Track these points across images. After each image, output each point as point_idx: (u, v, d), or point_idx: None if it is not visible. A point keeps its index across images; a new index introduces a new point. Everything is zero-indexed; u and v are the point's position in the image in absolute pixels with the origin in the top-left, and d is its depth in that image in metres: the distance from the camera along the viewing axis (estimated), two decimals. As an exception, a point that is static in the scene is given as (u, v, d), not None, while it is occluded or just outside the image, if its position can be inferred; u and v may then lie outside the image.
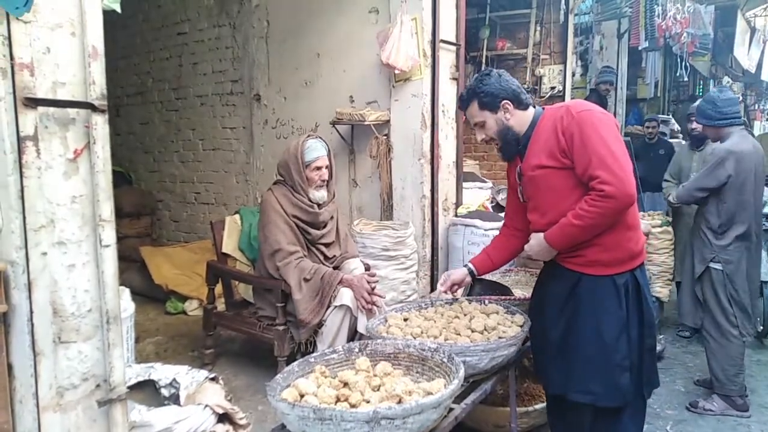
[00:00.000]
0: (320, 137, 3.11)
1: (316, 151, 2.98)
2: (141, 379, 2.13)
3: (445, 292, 2.33)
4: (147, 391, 2.13)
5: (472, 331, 2.05)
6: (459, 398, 1.86)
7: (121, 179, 6.04)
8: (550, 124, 1.98)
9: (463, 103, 2.16)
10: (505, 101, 2.04)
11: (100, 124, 1.55)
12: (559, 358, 2.05)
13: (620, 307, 1.95)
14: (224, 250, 3.37)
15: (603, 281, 1.97)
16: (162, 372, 2.16)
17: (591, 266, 1.98)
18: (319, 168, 2.99)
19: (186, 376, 2.12)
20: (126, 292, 2.70)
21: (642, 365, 2.01)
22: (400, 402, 1.50)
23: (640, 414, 2.12)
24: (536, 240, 2.05)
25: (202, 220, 5.58)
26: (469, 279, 2.33)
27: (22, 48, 1.40)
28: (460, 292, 2.38)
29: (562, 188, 1.96)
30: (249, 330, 3.14)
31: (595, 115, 1.92)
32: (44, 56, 1.45)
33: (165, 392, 2.10)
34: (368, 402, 1.52)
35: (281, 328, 2.93)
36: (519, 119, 2.07)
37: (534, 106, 2.12)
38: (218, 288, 3.43)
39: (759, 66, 9.28)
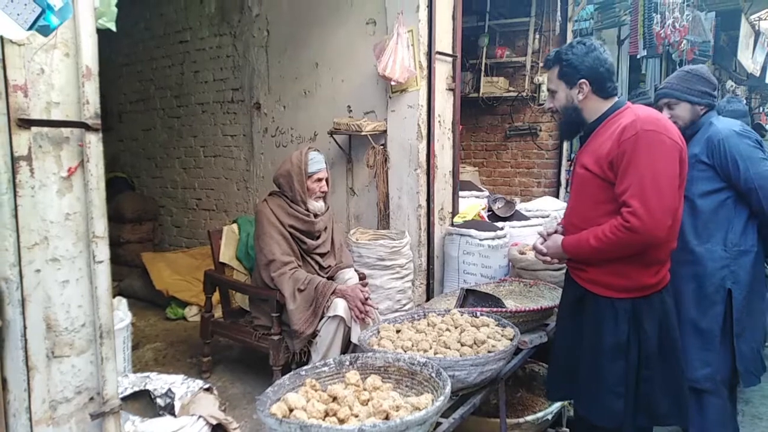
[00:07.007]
0: (318, 150, 3.19)
1: (318, 163, 3.08)
2: (137, 389, 2.16)
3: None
4: (142, 401, 2.16)
5: (462, 345, 2.07)
6: (448, 411, 1.89)
7: (123, 185, 6.09)
8: (616, 127, 1.84)
9: (546, 63, 2.05)
10: (583, 80, 1.91)
11: (94, 143, 1.57)
12: (566, 365, 2.05)
13: (617, 330, 1.88)
14: (222, 259, 3.40)
15: (603, 301, 1.92)
16: (157, 382, 2.19)
17: (593, 284, 1.95)
18: (320, 180, 3.09)
19: (181, 386, 2.16)
20: (123, 303, 2.73)
21: (638, 394, 1.91)
22: (387, 418, 1.52)
23: None
24: (553, 243, 2.02)
25: (204, 226, 5.61)
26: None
27: (16, 70, 1.42)
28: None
29: (592, 197, 1.89)
30: (245, 339, 3.17)
31: (658, 137, 1.76)
32: (38, 77, 1.48)
33: (160, 402, 2.13)
34: (357, 416, 1.54)
35: (276, 337, 2.95)
36: (592, 105, 1.94)
37: (618, 96, 1.97)
38: (216, 296, 3.46)
39: (763, 69, 9.28)
